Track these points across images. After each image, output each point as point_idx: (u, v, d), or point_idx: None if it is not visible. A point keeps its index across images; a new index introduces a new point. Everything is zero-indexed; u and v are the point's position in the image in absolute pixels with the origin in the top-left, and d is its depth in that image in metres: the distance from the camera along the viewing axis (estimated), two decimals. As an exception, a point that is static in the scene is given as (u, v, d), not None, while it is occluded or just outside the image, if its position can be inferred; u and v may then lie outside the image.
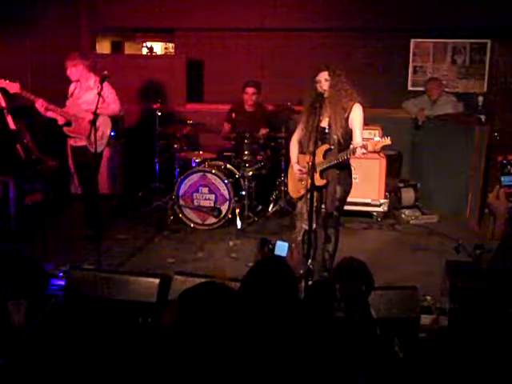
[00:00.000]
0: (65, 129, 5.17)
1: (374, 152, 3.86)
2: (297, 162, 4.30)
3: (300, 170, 4.24)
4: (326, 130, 4.05)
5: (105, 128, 5.20)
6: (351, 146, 3.96)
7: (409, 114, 6.75)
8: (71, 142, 5.34)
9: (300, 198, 4.28)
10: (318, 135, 3.79)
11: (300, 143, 4.30)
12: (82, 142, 5.14)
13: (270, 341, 2.08)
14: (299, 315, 2.26)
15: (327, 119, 4.04)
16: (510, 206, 4.71)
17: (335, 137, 4.01)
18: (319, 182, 4.04)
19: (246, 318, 2.12)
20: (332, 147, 4.04)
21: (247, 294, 2.18)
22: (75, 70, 5.18)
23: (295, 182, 4.35)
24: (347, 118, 4.02)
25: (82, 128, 5.09)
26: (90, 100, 5.10)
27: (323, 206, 4.25)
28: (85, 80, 5.22)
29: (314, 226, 3.97)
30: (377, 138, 3.74)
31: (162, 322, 2.29)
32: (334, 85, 4.00)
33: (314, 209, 3.77)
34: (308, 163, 3.83)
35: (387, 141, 3.69)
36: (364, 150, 3.76)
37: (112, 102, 5.22)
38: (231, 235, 5.58)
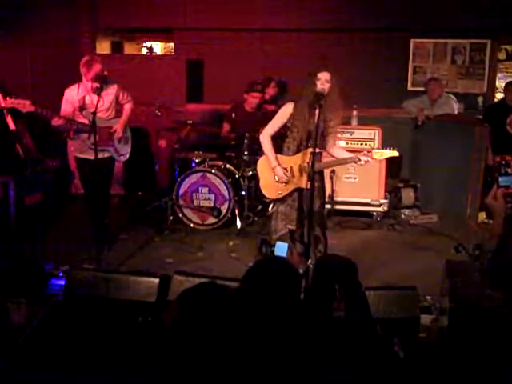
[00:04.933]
0: (87, 145, 4.67)
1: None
2: (278, 163, 4.11)
3: (285, 173, 4.08)
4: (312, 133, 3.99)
5: (129, 134, 5.10)
6: (355, 154, 3.98)
7: (409, 114, 6.75)
8: (88, 155, 4.72)
9: (280, 200, 4.17)
10: (316, 136, 3.74)
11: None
12: (107, 153, 4.87)
13: (270, 340, 2.08)
14: (299, 315, 2.26)
15: (315, 122, 3.98)
16: (508, 206, 4.71)
17: (322, 140, 3.99)
18: (306, 184, 3.99)
19: (246, 317, 2.12)
20: (318, 150, 3.97)
21: (247, 292, 2.18)
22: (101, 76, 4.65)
23: (272, 183, 4.18)
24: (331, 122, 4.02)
25: (106, 138, 4.81)
26: (107, 106, 4.83)
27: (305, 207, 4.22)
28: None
29: (295, 227, 4.02)
30: (386, 151, 3.75)
31: (161, 321, 2.29)
32: (332, 89, 3.93)
33: (305, 209, 3.80)
34: (308, 163, 3.81)
35: (394, 153, 3.69)
36: (369, 159, 3.76)
37: (128, 102, 5.06)
38: (231, 235, 5.59)
